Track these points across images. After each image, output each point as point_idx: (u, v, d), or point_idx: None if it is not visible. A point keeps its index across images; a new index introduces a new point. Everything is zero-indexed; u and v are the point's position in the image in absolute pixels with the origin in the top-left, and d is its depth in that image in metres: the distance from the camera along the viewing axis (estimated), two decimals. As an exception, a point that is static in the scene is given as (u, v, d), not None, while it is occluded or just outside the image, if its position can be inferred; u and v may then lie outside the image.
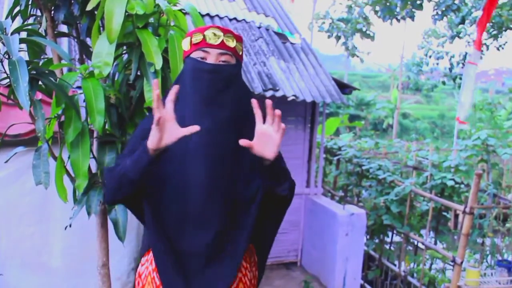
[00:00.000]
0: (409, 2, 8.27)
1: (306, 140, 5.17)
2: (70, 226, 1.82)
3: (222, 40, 1.42)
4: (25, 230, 2.93)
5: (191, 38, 1.45)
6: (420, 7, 8.40)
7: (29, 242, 2.94)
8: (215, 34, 1.42)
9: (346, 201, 5.76)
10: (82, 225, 2.01)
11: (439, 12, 8.68)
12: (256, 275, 1.63)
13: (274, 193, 1.47)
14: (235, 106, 1.47)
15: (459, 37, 10.10)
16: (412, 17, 8.76)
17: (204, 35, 1.42)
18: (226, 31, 1.44)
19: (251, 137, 1.41)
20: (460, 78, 9.75)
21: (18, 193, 2.86)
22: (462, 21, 9.06)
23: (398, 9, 8.76)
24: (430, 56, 12.69)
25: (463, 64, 9.83)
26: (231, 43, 1.44)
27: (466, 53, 9.78)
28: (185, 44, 1.48)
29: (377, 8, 9.21)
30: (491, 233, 5.04)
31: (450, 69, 11.13)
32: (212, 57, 1.43)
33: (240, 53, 1.49)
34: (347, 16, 17.02)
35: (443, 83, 11.61)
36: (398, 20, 9.21)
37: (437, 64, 12.47)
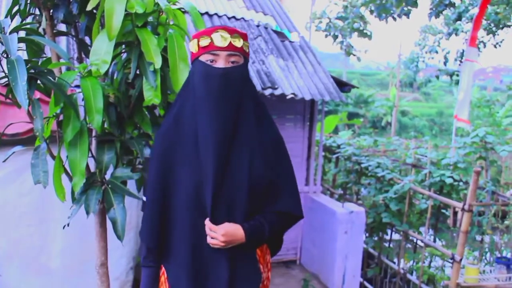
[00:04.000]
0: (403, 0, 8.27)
1: (305, 138, 5.17)
2: (68, 225, 1.82)
3: (230, 42, 1.43)
4: (24, 230, 2.92)
5: (198, 41, 1.45)
6: (414, 4, 8.39)
7: (28, 242, 2.93)
8: (222, 37, 1.43)
9: (345, 199, 5.76)
10: (81, 224, 2.01)
11: (433, 9, 8.68)
12: (269, 276, 1.65)
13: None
14: (246, 103, 1.50)
15: (456, 34, 10.11)
16: (407, 15, 8.75)
17: (211, 38, 1.43)
18: (232, 32, 1.44)
19: (267, 130, 1.55)
20: (457, 75, 9.77)
21: (17, 193, 2.85)
22: (459, 18, 9.06)
23: (393, 8, 8.75)
24: (426, 52, 12.73)
25: (460, 61, 9.83)
26: (238, 43, 1.45)
27: (463, 50, 9.79)
28: (193, 47, 1.49)
29: (372, 7, 9.20)
30: (490, 230, 5.05)
31: (445, 63, 11.17)
32: (221, 60, 1.44)
33: (247, 50, 1.51)
34: (344, 15, 17.02)
35: (437, 77, 11.64)
36: (394, 19, 9.19)
37: (432, 58, 12.51)
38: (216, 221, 1.45)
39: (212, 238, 1.45)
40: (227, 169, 1.46)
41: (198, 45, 1.46)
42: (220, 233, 1.42)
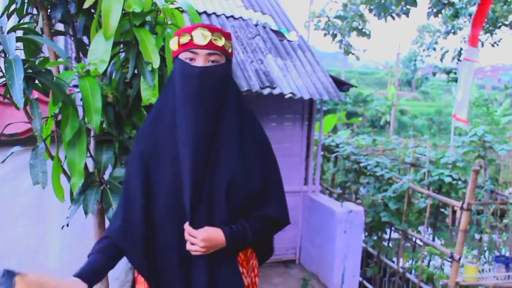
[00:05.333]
0: (402, -1, 8.28)
1: (304, 137, 5.16)
2: (67, 225, 1.81)
3: (210, 40, 1.38)
4: (22, 230, 2.91)
5: (178, 38, 1.41)
6: (414, 3, 8.38)
7: (26, 242, 2.93)
8: (203, 34, 1.38)
9: (344, 198, 5.76)
10: (79, 224, 2.00)
11: (432, 8, 8.69)
12: (256, 282, 1.60)
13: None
14: (229, 105, 1.44)
15: (453, 33, 10.10)
16: (407, 14, 8.75)
17: (191, 36, 1.39)
18: (214, 30, 1.40)
19: (251, 133, 1.47)
20: (455, 73, 9.78)
21: (15, 193, 2.85)
22: (456, 15, 9.04)
23: (393, 7, 8.75)
24: (423, 50, 12.75)
25: (458, 59, 9.84)
26: (220, 42, 1.40)
27: (461, 49, 9.80)
28: (173, 44, 1.45)
29: (372, 6, 9.20)
30: (489, 229, 5.06)
31: (441, 59, 11.19)
32: (201, 58, 1.39)
33: (230, 50, 1.45)
34: (344, 14, 17.02)
35: (434, 74, 11.67)
36: (393, 18, 9.19)
37: (429, 56, 12.53)
38: (196, 226, 1.40)
39: (192, 244, 1.39)
40: (206, 171, 1.41)
41: (179, 42, 1.41)
42: (200, 238, 1.36)
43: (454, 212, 5.54)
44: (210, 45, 1.39)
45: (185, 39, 1.40)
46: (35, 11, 1.99)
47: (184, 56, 1.41)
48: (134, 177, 1.45)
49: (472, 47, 6.39)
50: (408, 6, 8.50)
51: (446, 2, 8.53)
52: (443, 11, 9.02)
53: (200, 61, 1.40)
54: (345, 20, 14.31)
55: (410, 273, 4.80)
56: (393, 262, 4.91)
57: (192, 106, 1.40)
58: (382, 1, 8.65)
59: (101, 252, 1.43)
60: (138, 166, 1.45)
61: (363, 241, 4.98)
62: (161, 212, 1.43)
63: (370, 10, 9.41)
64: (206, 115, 1.40)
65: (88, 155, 1.76)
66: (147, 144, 1.47)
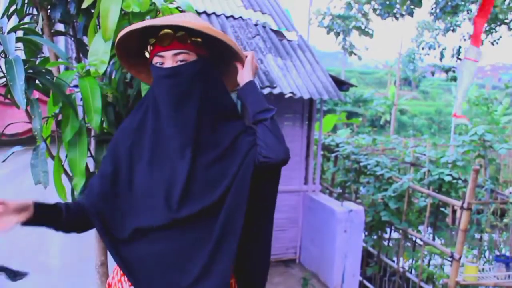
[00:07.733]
0: (408, -1, 8.30)
1: (304, 137, 5.17)
2: (68, 225, 1.82)
3: (174, 40, 1.34)
4: (23, 229, 2.92)
5: (149, 44, 1.39)
6: (419, 3, 8.40)
7: (27, 242, 2.93)
8: (165, 35, 1.34)
9: (344, 198, 5.77)
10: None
11: (438, 10, 8.69)
12: None
13: (258, 120, 1.39)
14: (205, 104, 1.39)
15: (453, 30, 10.11)
16: (411, 14, 8.76)
17: (156, 39, 1.35)
18: (177, 28, 1.34)
19: (226, 130, 1.41)
20: (454, 71, 9.79)
21: (15, 193, 2.85)
22: (455, 11, 9.03)
23: (397, 6, 8.77)
24: (423, 48, 12.77)
25: (458, 58, 9.84)
26: (185, 40, 1.35)
27: (460, 47, 9.80)
28: (147, 53, 1.42)
29: (376, 6, 9.22)
30: (489, 228, 5.06)
31: (440, 59, 11.20)
32: (169, 60, 1.35)
33: (199, 45, 1.39)
34: (344, 12, 17.02)
35: (432, 73, 11.70)
36: (397, 18, 9.20)
37: (428, 54, 12.59)
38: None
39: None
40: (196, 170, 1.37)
41: (150, 49, 1.39)
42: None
43: (454, 211, 5.55)
44: (174, 45, 1.34)
45: (153, 44, 1.37)
46: (35, 12, 2.00)
47: (155, 61, 1.38)
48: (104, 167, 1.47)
49: (474, 46, 6.39)
50: (412, 6, 8.52)
51: (454, 5, 8.52)
52: (447, 12, 9.03)
53: (168, 63, 1.36)
54: (347, 20, 14.34)
55: (410, 272, 4.81)
56: (393, 261, 4.92)
57: (170, 109, 1.36)
58: (387, 2, 8.67)
59: (66, 204, 1.52)
60: (110, 159, 1.46)
61: (363, 241, 4.99)
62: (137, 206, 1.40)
63: (374, 10, 9.43)
64: (186, 116, 1.36)
65: (89, 155, 1.76)
66: (127, 141, 1.45)
